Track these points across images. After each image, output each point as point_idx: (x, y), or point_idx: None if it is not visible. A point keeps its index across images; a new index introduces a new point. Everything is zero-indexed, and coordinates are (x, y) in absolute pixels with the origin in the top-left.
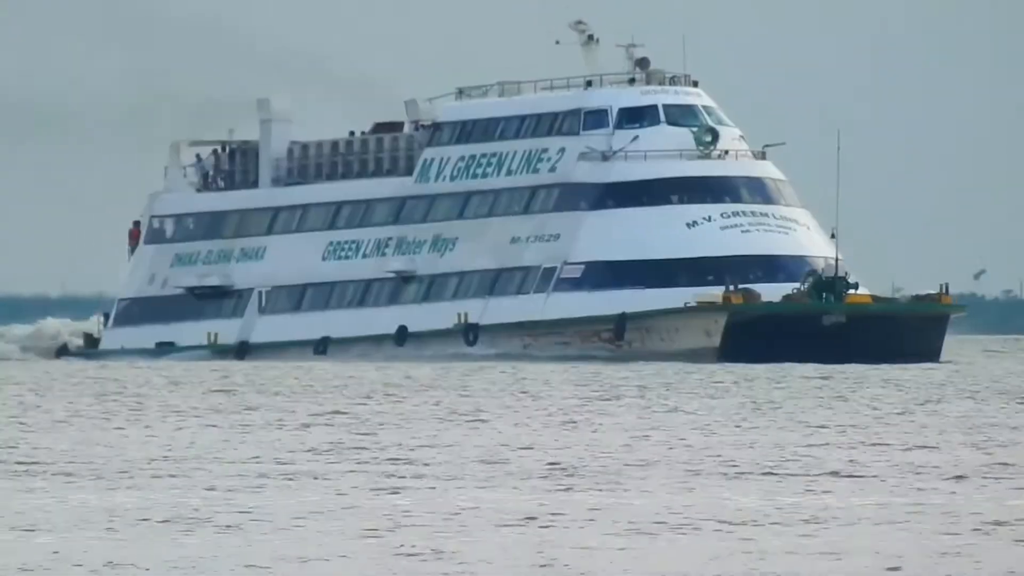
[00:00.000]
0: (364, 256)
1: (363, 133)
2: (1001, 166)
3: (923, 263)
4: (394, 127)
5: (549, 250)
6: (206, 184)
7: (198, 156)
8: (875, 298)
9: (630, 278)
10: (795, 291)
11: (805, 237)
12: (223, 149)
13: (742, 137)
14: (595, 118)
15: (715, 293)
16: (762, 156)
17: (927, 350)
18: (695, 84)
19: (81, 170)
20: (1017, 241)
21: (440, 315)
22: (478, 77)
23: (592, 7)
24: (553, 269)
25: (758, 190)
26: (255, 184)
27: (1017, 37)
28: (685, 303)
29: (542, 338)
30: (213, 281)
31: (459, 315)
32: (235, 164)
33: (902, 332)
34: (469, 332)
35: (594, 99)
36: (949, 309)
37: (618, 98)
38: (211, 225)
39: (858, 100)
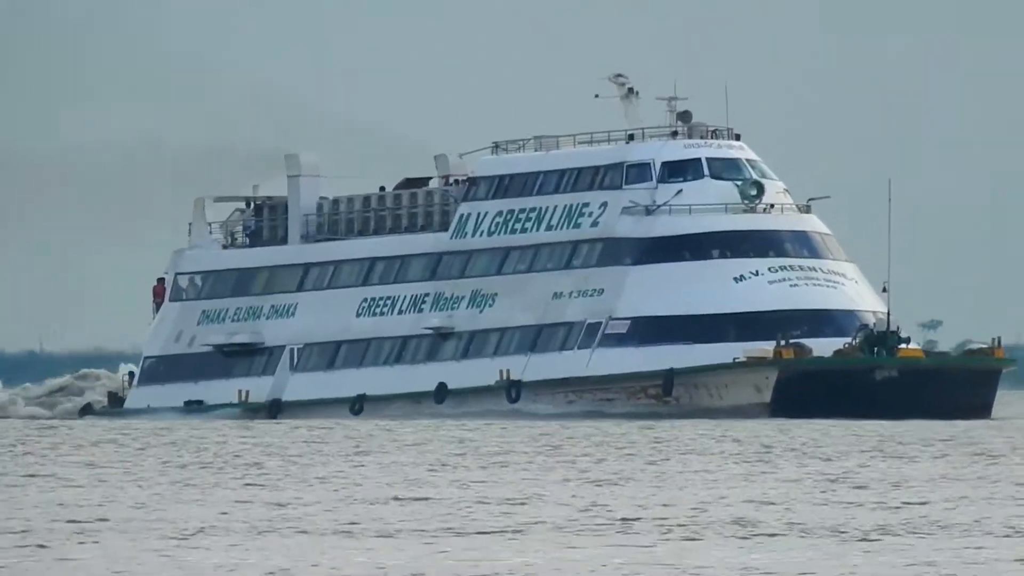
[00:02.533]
0: (400, 313)
1: (394, 188)
2: None
3: (974, 314)
4: (423, 182)
5: (593, 305)
6: (232, 240)
7: (248, 206)
8: (927, 352)
9: (677, 333)
10: (846, 346)
11: (854, 291)
12: (248, 205)
13: (786, 191)
14: (638, 172)
15: (765, 348)
16: (807, 210)
17: (979, 405)
18: (738, 137)
19: (104, 226)
20: None
21: (481, 372)
22: (513, 132)
23: (632, 60)
24: (597, 324)
25: (804, 244)
26: (283, 240)
27: None
28: (735, 358)
29: (587, 394)
30: (242, 339)
31: (501, 372)
32: (262, 220)
33: (954, 387)
34: (511, 389)
35: (637, 153)
36: (1001, 363)
37: (661, 151)
38: (239, 282)
39: (902, 153)
